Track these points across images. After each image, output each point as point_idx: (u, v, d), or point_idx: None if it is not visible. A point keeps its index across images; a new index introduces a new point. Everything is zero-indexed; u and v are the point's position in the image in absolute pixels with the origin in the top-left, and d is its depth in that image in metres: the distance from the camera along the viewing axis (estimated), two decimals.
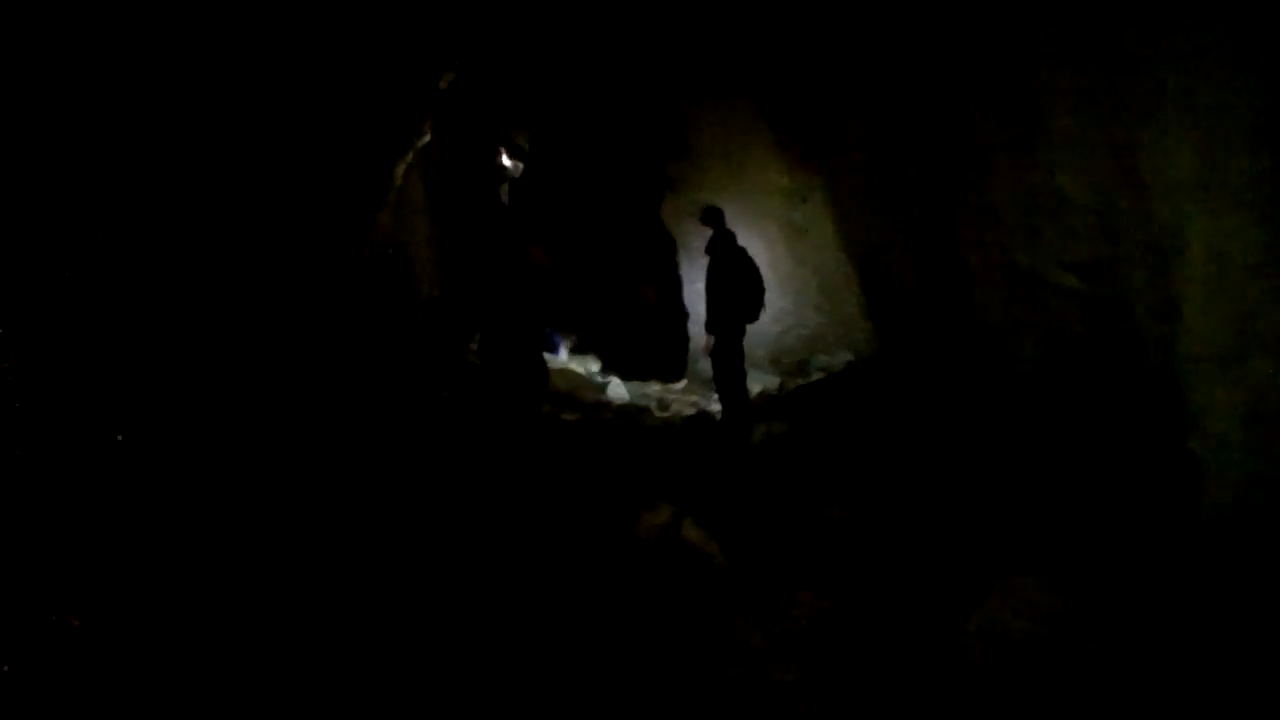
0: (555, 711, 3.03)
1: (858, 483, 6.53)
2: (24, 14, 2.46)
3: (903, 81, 7.26)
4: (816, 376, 10.43)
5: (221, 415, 3.82)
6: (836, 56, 8.69)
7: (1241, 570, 2.66)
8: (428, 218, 9.00)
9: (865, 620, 4.23)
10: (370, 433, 6.03)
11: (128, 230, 3.02)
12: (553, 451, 7.25)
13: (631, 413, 9.99)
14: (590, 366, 13.44)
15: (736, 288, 8.29)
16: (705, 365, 10.07)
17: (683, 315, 14.06)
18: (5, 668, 2.22)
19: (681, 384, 12.93)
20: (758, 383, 10.43)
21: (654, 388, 12.67)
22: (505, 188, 7.11)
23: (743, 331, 8.50)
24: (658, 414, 10.25)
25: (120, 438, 2.94)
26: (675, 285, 14.21)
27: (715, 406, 9.57)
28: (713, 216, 8.57)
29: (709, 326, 8.51)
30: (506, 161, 6.20)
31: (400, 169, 6.72)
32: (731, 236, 8.52)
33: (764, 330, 10.58)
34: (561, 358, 13.19)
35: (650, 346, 14.52)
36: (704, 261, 8.66)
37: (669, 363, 14.33)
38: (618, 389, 11.29)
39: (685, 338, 14.13)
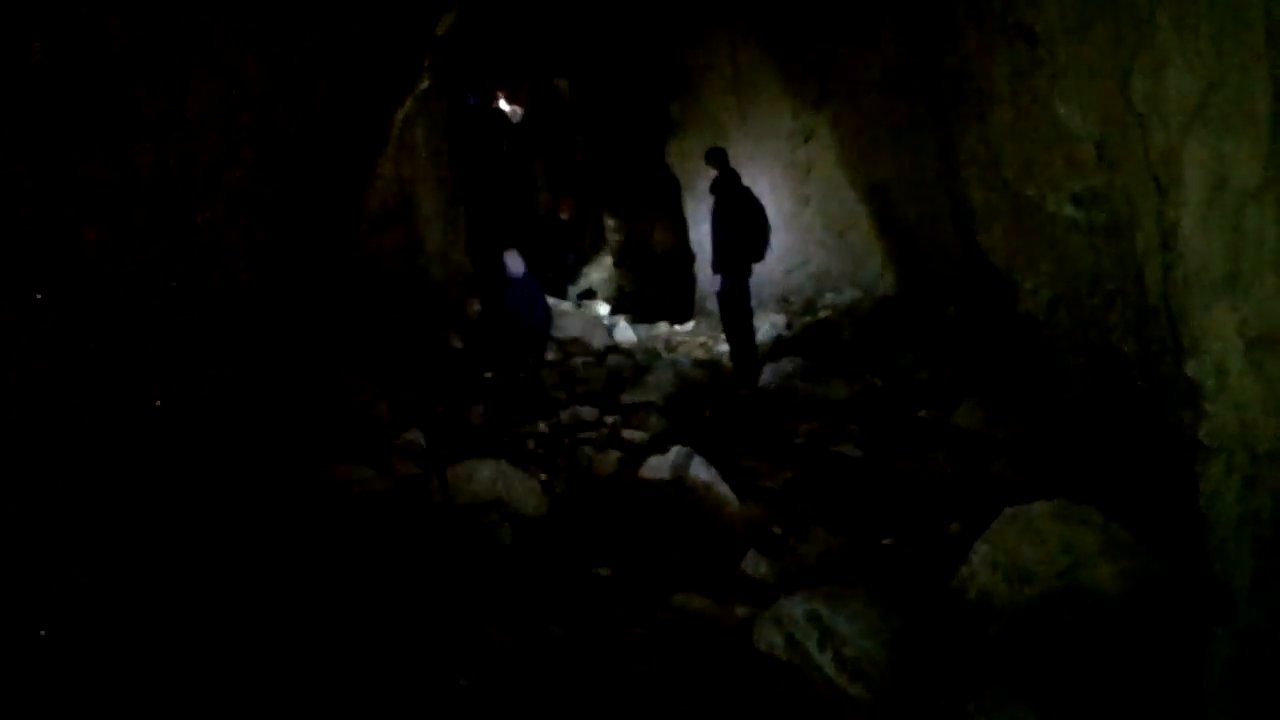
0: (563, 651, 3.10)
1: (870, 420, 6.57)
2: None
3: (906, 13, 7.17)
4: (824, 314, 10.43)
5: (229, 376, 3.86)
6: None
7: (1242, 494, 2.69)
8: (431, 166, 8.97)
9: (877, 555, 4.28)
10: (379, 378, 6.08)
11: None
12: (561, 395, 7.30)
13: (640, 355, 10.02)
14: (599, 309, 13.47)
15: (742, 227, 8.28)
16: (713, 305, 10.09)
17: (689, 256, 14.05)
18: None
19: (689, 325, 12.96)
20: (766, 323, 10.45)
21: (662, 329, 12.70)
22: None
23: (749, 271, 8.52)
24: (666, 355, 10.29)
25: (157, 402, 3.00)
26: (681, 226, 14.19)
27: (723, 347, 9.60)
28: (717, 156, 8.54)
29: (715, 266, 8.52)
30: (505, 106, 6.14)
31: (399, 115, 6.69)
32: (736, 176, 8.50)
33: (770, 270, 10.58)
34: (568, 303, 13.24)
35: (653, 286, 14.57)
36: (710, 202, 8.65)
37: (677, 304, 14.36)
38: (625, 331, 11.32)
39: (692, 279, 14.13)
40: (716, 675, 3.08)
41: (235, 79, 3.72)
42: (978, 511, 4.07)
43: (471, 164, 6.11)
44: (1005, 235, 5.17)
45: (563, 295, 13.07)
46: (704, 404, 7.48)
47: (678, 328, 12.81)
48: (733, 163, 8.71)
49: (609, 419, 6.48)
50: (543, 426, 6.13)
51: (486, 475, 4.66)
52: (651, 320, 13.21)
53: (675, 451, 5.17)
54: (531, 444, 5.75)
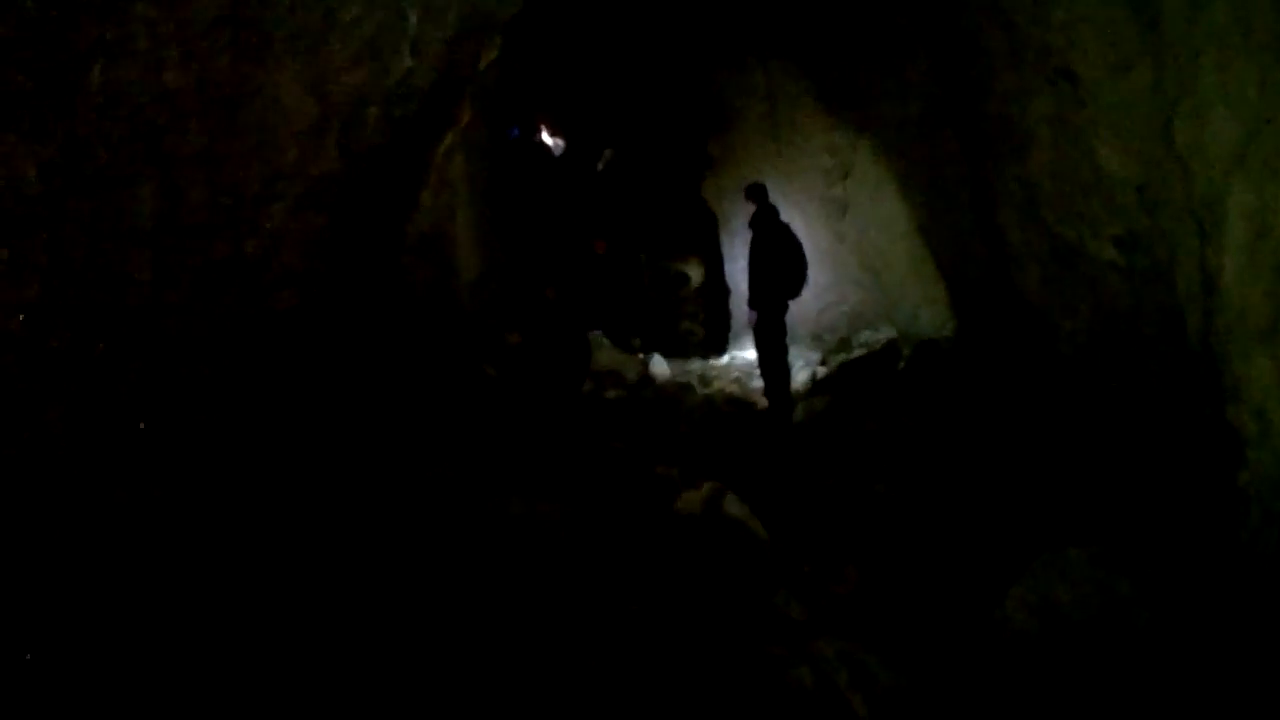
0: (597, 684, 3.10)
1: (902, 458, 6.52)
2: None
3: (946, 54, 7.19)
4: (859, 353, 10.38)
5: (269, 391, 3.92)
6: (883, 15, 8.62)
7: None
8: (470, 199, 9.07)
9: (909, 593, 4.24)
10: (416, 405, 6.12)
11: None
12: (596, 428, 7.31)
13: (673, 389, 10.02)
14: (632, 343, 13.45)
15: (779, 263, 8.28)
16: (748, 341, 10.07)
17: (724, 291, 14.06)
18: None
19: (724, 360, 12.93)
20: (800, 361, 10.42)
21: (696, 364, 12.67)
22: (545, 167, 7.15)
23: (785, 307, 8.49)
24: (700, 390, 10.27)
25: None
26: (717, 262, 14.21)
27: (758, 383, 9.57)
28: (756, 192, 8.57)
29: (752, 302, 8.52)
30: (548, 139, 6.22)
31: (440, 149, 6.77)
32: (775, 211, 8.52)
33: (805, 306, 10.56)
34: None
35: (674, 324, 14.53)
36: (747, 237, 8.66)
37: (711, 339, 14.33)
38: (660, 365, 11.31)
39: (727, 314, 14.13)
40: (751, 708, 3.07)
41: (283, 114, 3.80)
42: (1013, 553, 4.03)
43: (513, 196, 6.18)
44: (1043, 276, 5.15)
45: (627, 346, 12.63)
46: (737, 439, 7.46)
47: (712, 362, 12.79)
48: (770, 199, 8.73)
49: (642, 453, 6.48)
50: (576, 457, 6.14)
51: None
52: (686, 355, 13.19)
53: (708, 487, 5.16)
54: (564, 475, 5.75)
